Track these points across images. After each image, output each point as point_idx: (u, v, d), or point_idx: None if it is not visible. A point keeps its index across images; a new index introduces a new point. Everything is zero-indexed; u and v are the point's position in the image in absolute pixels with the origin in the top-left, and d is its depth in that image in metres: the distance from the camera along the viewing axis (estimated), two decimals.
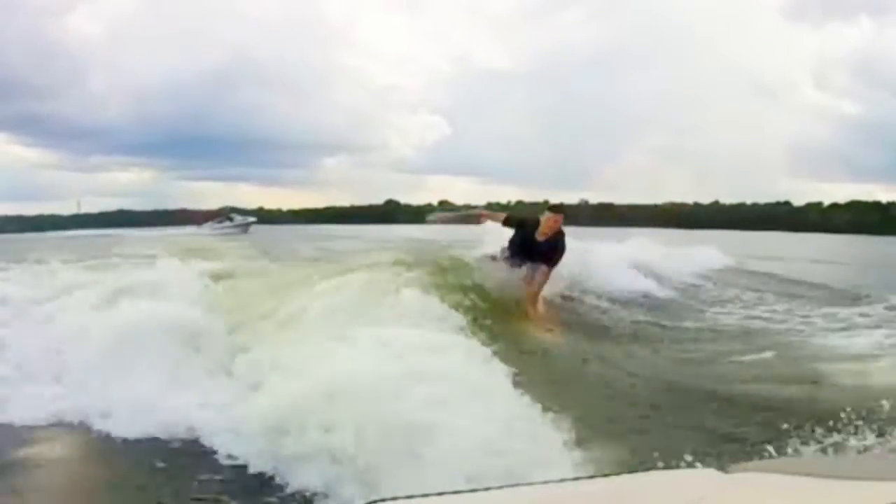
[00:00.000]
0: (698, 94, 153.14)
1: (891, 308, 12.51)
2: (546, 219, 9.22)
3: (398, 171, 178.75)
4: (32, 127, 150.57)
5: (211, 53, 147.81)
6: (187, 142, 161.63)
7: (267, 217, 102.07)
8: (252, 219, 72.49)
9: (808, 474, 1.75)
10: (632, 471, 2.04)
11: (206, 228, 66.11)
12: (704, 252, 20.31)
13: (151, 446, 6.22)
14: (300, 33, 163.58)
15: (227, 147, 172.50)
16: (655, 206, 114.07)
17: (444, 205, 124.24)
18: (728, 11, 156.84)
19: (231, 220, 71.20)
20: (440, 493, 1.63)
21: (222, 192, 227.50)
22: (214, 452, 5.94)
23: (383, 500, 1.61)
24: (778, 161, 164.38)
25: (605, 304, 11.29)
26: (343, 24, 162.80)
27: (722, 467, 1.88)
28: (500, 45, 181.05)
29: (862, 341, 9.11)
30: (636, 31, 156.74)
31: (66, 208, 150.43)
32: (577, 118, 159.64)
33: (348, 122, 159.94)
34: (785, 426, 5.27)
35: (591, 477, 2.15)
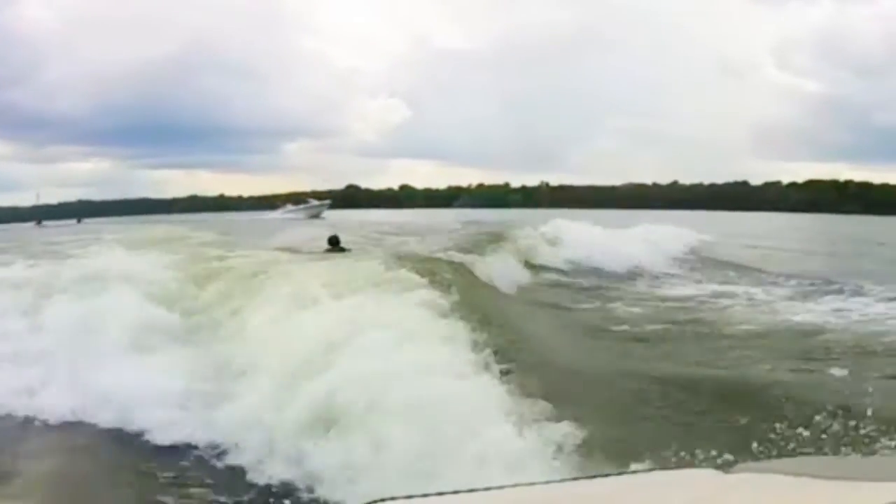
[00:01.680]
0: (662, 75, 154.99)
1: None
2: None
3: (360, 156, 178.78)
4: None
5: (168, 39, 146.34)
6: (146, 130, 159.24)
7: (229, 204, 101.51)
8: (326, 202, 72.20)
9: (808, 474, 1.71)
10: None
11: (279, 213, 65.99)
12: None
13: None
14: (258, 17, 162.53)
15: (186, 134, 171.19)
16: (613, 188, 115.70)
17: (404, 189, 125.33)
18: None
19: (307, 203, 70.93)
20: (440, 493, 1.61)
21: (183, 179, 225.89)
22: None
23: (383, 499, 1.58)
24: (741, 141, 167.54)
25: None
26: (302, 8, 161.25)
27: (721, 466, 1.84)
28: (461, 27, 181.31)
29: None
30: (599, 13, 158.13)
31: (24, 200, 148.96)
32: (539, 100, 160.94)
33: (309, 107, 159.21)
34: None
35: (592, 477, 2.04)
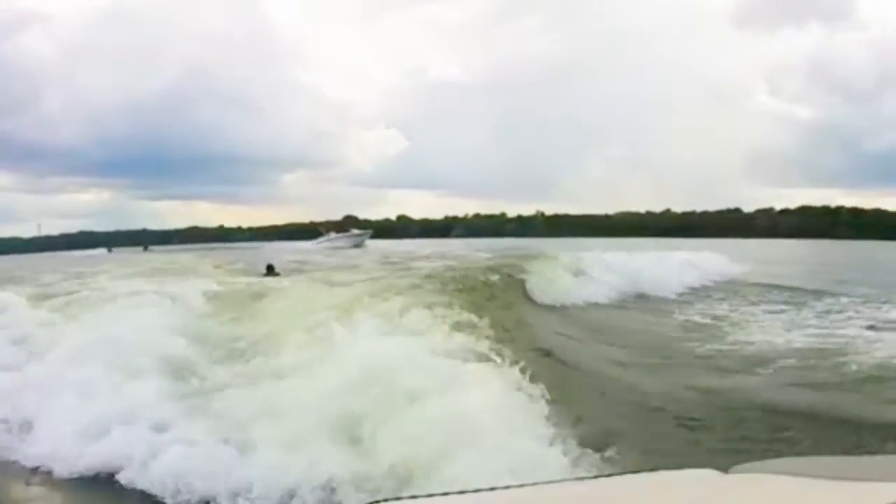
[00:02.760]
0: (654, 103, 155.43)
1: None
2: None
3: (357, 186, 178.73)
4: None
5: (166, 71, 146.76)
6: (145, 161, 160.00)
7: (227, 235, 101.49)
8: (368, 232, 71.14)
9: (808, 474, 1.71)
10: None
11: (317, 243, 64.37)
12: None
13: None
14: (254, 50, 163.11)
15: (185, 165, 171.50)
16: (608, 217, 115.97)
17: (401, 219, 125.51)
18: (681, 20, 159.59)
19: (348, 232, 69.53)
20: (444, 494, 1.62)
21: (183, 210, 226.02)
22: None
23: (385, 499, 1.60)
24: (734, 168, 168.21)
25: None
26: (296, 40, 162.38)
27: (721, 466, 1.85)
28: (455, 59, 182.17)
29: None
30: (591, 43, 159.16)
31: (25, 231, 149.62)
32: (533, 130, 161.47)
33: (306, 138, 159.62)
34: None
35: (593, 477, 2.07)
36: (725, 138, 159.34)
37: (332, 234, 68.51)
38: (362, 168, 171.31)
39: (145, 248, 70.22)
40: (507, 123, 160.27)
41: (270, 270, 20.39)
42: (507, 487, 1.72)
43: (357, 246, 60.04)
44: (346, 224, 79.42)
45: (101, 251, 68.02)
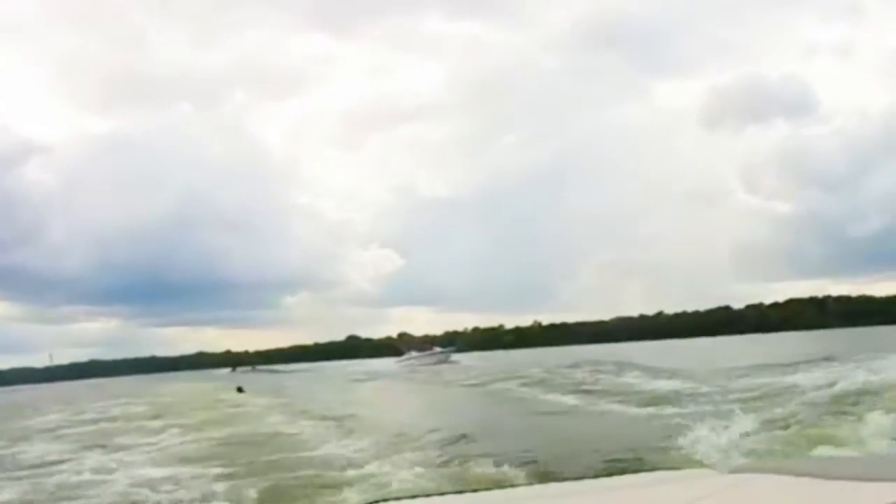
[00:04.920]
0: (639, 208, 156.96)
1: None
2: None
3: (358, 306, 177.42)
4: None
5: (165, 199, 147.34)
6: (151, 288, 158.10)
7: (234, 360, 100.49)
8: (452, 348, 67.08)
9: (808, 474, 1.71)
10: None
11: (398, 362, 62.84)
12: None
13: None
14: (249, 174, 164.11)
15: (189, 291, 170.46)
16: (603, 323, 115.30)
17: (402, 337, 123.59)
18: (654, 126, 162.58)
19: (430, 349, 65.59)
20: (442, 494, 1.61)
21: (190, 336, 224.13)
22: None
23: (385, 499, 1.58)
24: (721, 266, 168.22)
25: None
26: (288, 163, 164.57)
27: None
28: (441, 174, 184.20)
29: None
30: (571, 154, 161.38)
31: (35, 360, 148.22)
32: (524, 241, 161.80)
33: (306, 260, 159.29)
34: None
35: (593, 477, 2.09)
36: (710, 238, 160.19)
37: (414, 353, 65.12)
38: (362, 287, 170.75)
39: (233, 370, 73.97)
40: (496, 236, 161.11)
41: (240, 390, 24.45)
42: (506, 488, 1.81)
43: (441, 363, 56.93)
44: (421, 341, 75.54)
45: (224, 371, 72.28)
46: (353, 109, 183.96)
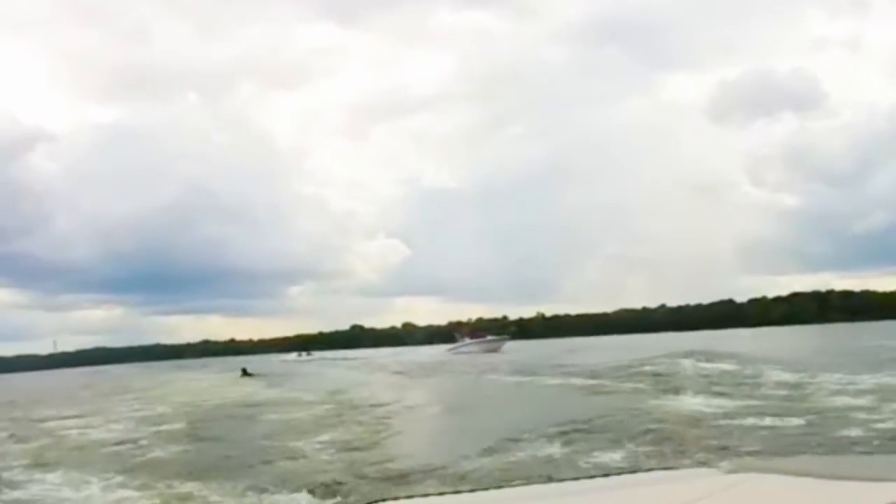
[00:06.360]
0: (644, 201, 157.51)
1: None
2: None
3: (363, 296, 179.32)
4: (2, 268, 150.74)
5: (171, 189, 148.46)
6: (155, 276, 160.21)
7: (238, 348, 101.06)
8: (506, 337, 67.70)
9: (807, 474, 1.69)
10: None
11: (451, 349, 62.29)
12: None
13: None
14: (255, 164, 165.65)
15: (194, 280, 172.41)
16: (606, 315, 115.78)
17: (407, 326, 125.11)
18: (662, 119, 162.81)
19: (484, 337, 65.78)
20: (440, 493, 1.63)
21: (194, 324, 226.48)
22: None
23: (384, 499, 1.59)
24: (725, 259, 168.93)
25: None
26: (294, 154, 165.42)
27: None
28: (446, 166, 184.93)
29: None
30: (577, 146, 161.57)
31: (40, 347, 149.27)
32: (528, 233, 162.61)
33: (310, 250, 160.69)
34: None
35: (592, 477, 2.00)
36: (715, 231, 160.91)
37: (468, 340, 64.62)
38: (366, 277, 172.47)
39: (299, 355, 72.65)
40: (502, 228, 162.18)
41: (245, 372, 25.98)
42: (505, 487, 1.69)
43: (492, 351, 57.03)
44: (479, 327, 75.87)
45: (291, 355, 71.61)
46: (359, 100, 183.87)
